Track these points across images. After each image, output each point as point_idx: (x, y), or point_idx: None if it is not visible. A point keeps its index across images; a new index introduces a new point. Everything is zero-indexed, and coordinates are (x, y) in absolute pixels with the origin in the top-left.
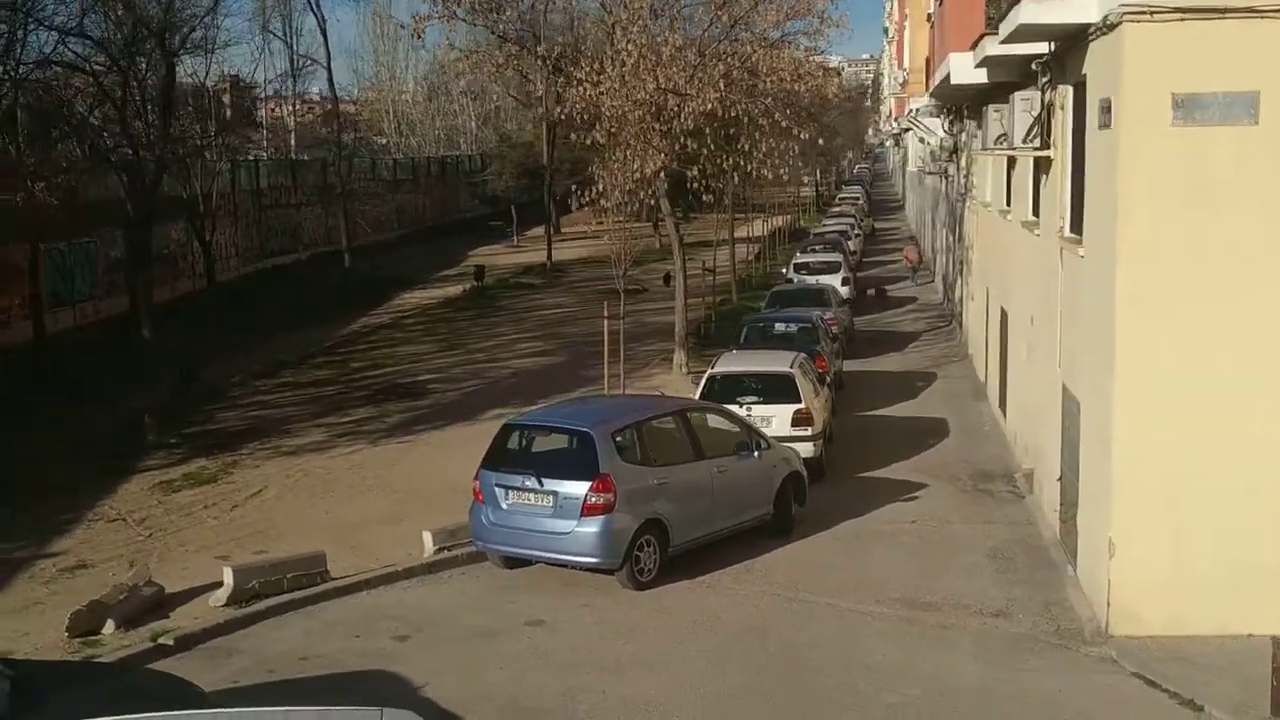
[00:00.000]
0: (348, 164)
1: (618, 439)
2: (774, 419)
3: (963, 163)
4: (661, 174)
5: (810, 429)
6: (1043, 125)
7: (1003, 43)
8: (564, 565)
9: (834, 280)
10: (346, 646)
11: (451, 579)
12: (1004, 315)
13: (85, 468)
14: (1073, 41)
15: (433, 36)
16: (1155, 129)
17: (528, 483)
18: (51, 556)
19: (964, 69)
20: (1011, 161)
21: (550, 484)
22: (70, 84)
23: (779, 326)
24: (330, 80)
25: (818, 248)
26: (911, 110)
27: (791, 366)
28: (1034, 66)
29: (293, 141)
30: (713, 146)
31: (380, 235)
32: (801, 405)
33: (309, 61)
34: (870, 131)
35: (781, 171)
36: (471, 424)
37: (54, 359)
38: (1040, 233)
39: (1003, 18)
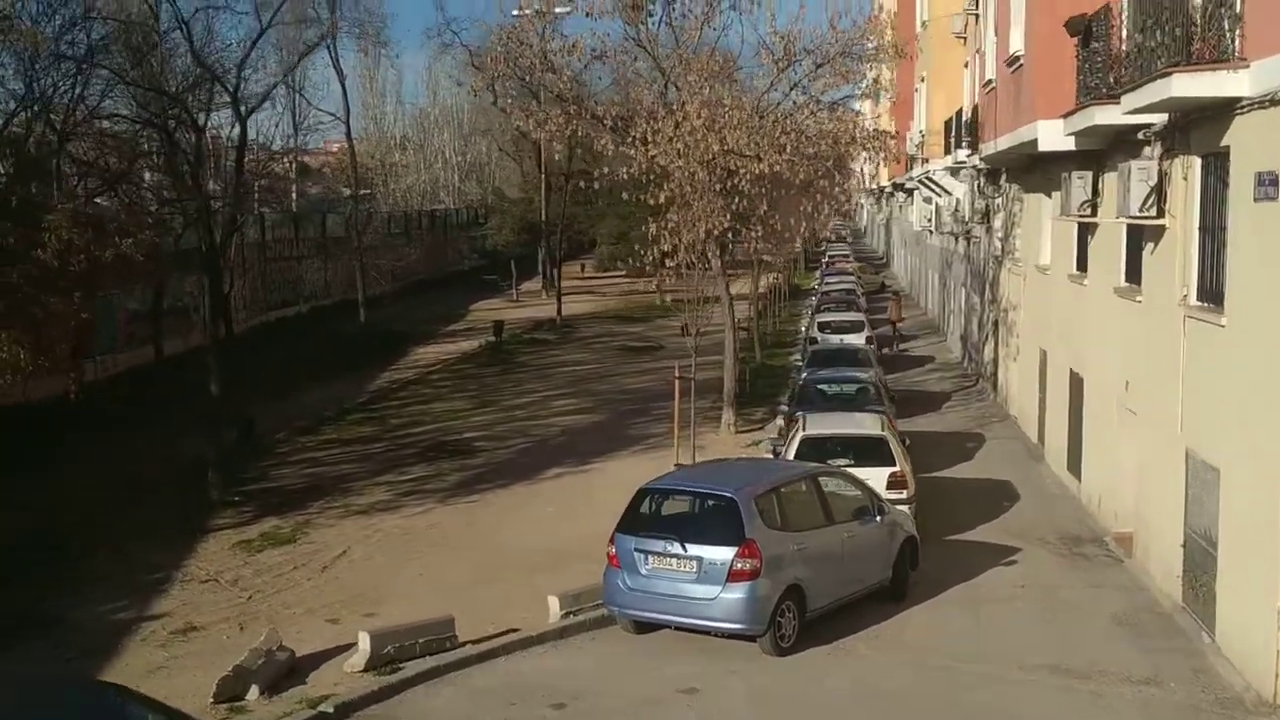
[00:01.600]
0: (366, 217)
1: (759, 504)
2: (869, 482)
3: (996, 224)
4: (726, 233)
5: (906, 492)
6: (1159, 194)
7: (1128, 113)
8: (705, 632)
9: (858, 339)
10: (507, 715)
11: (585, 645)
12: (1076, 378)
13: (155, 522)
14: (1207, 114)
15: (410, 89)
16: None
17: (670, 547)
18: (156, 618)
19: (1053, 137)
20: (1090, 228)
21: (694, 549)
22: (140, 136)
23: (835, 387)
24: (349, 135)
25: (836, 307)
26: (924, 170)
27: (883, 429)
28: (1141, 136)
29: (294, 194)
30: (766, 207)
31: (374, 289)
32: (897, 469)
33: (328, 116)
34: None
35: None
36: (534, 483)
37: (94, 410)
38: (1143, 300)
39: (1133, 89)
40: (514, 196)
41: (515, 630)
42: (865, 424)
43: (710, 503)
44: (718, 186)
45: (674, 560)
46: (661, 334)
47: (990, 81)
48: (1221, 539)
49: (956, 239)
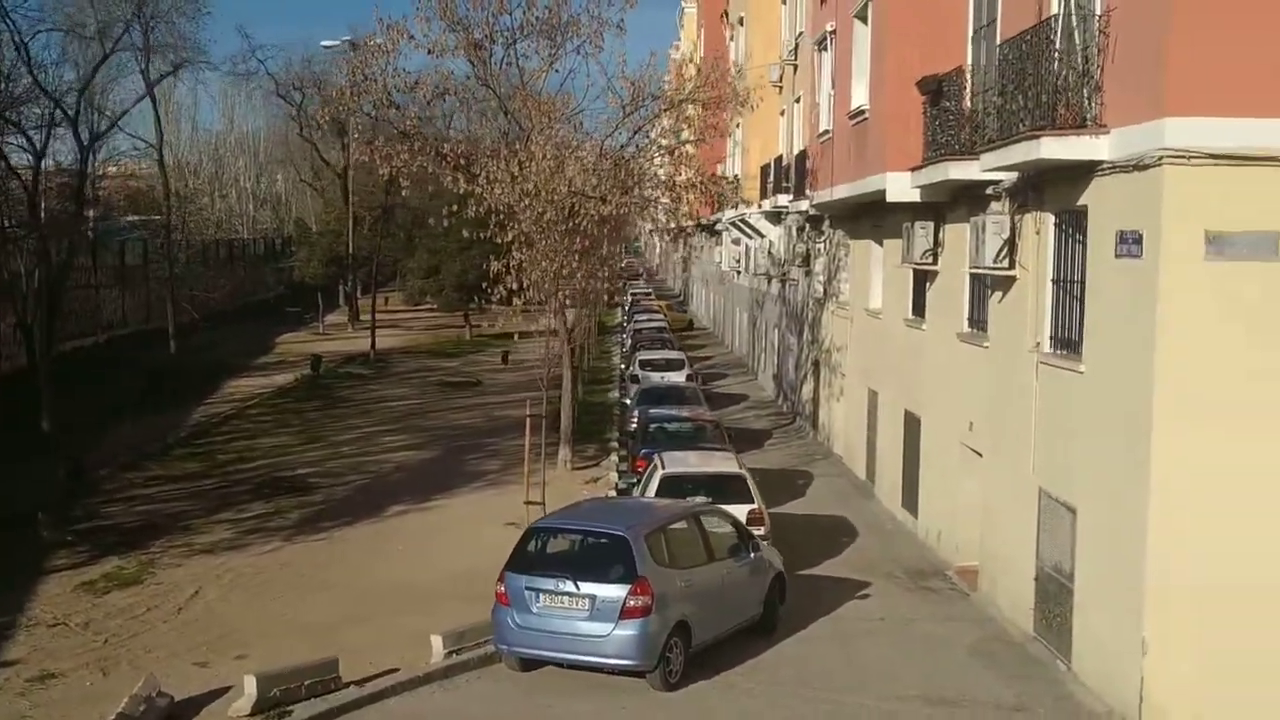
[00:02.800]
0: (178, 244)
1: (649, 542)
2: None
3: (817, 268)
4: (575, 273)
5: (763, 529)
6: (1011, 247)
7: (987, 170)
8: (595, 668)
9: (679, 377)
10: None
11: (472, 684)
12: (912, 418)
13: None
14: (1064, 174)
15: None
16: (1190, 263)
17: (562, 585)
18: (8, 665)
19: (900, 188)
20: (929, 275)
21: (586, 587)
22: None
23: (677, 425)
24: (161, 162)
25: (652, 345)
26: (739, 213)
27: (741, 467)
28: (990, 192)
29: (92, 216)
30: (607, 248)
31: (180, 319)
32: (755, 506)
33: (141, 143)
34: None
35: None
36: (379, 521)
37: None
38: (990, 345)
39: (997, 148)
40: (316, 228)
41: (396, 670)
42: (723, 462)
43: (601, 541)
44: (563, 226)
45: (566, 598)
46: (478, 369)
47: (826, 132)
48: (1078, 573)
49: (770, 280)
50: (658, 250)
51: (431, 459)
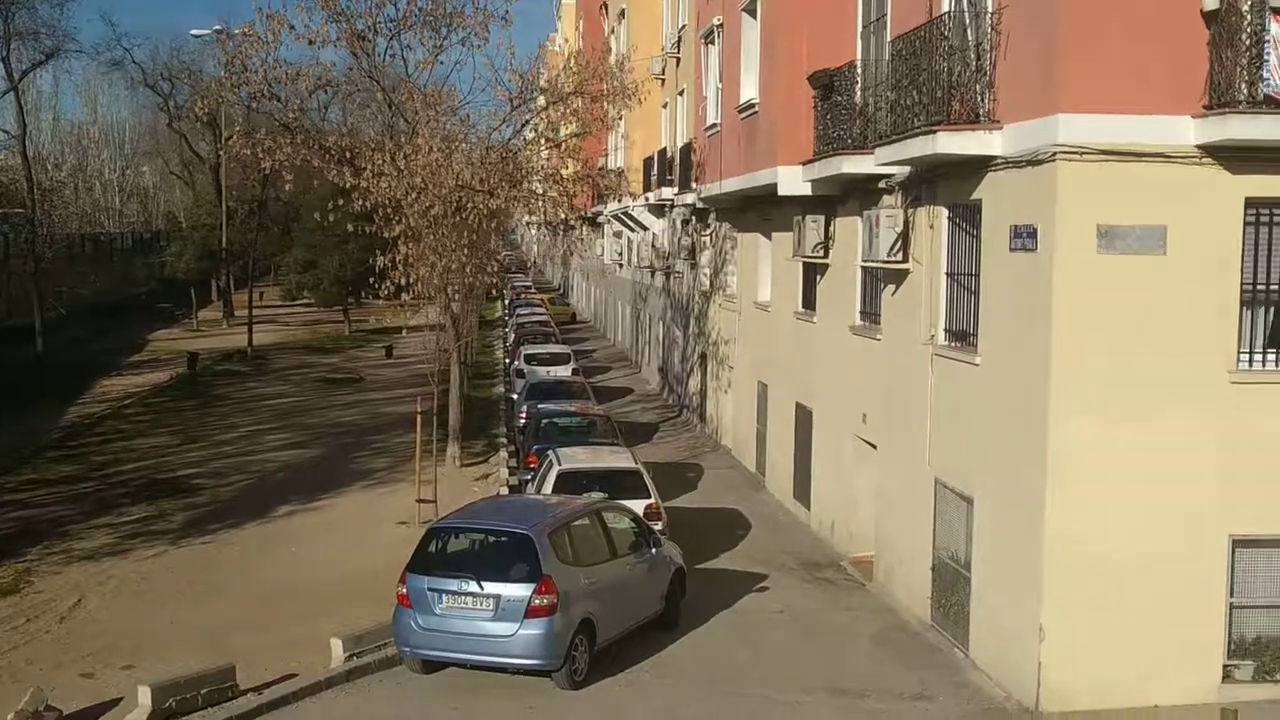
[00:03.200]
0: (48, 237)
1: (553, 540)
2: None
3: (703, 261)
4: (465, 267)
5: (660, 524)
6: (905, 240)
7: (882, 164)
8: (500, 669)
9: (564, 371)
10: None
11: (374, 687)
12: (803, 410)
13: None
14: (958, 169)
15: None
16: (1083, 255)
17: (466, 586)
18: None
19: (792, 182)
20: (819, 268)
21: (490, 587)
22: None
23: (569, 420)
24: (24, 153)
25: (536, 339)
26: (622, 206)
27: (637, 462)
28: (883, 186)
29: None
30: (495, 241)
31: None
32: (652, 500)
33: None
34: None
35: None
36: (267, 522)
37: None
38: (883, 338)
39: (892, 142)
40: (187, 222)
41: (295, 676)
42: (618, 457)
43: (505, 540)
44: (451, 220)
45: (470, 599)
46: (358, 365)
47: (714, 125)
48: (975, 562)
49: (654, 273)
50: (535, 243)
51: (317, 458)
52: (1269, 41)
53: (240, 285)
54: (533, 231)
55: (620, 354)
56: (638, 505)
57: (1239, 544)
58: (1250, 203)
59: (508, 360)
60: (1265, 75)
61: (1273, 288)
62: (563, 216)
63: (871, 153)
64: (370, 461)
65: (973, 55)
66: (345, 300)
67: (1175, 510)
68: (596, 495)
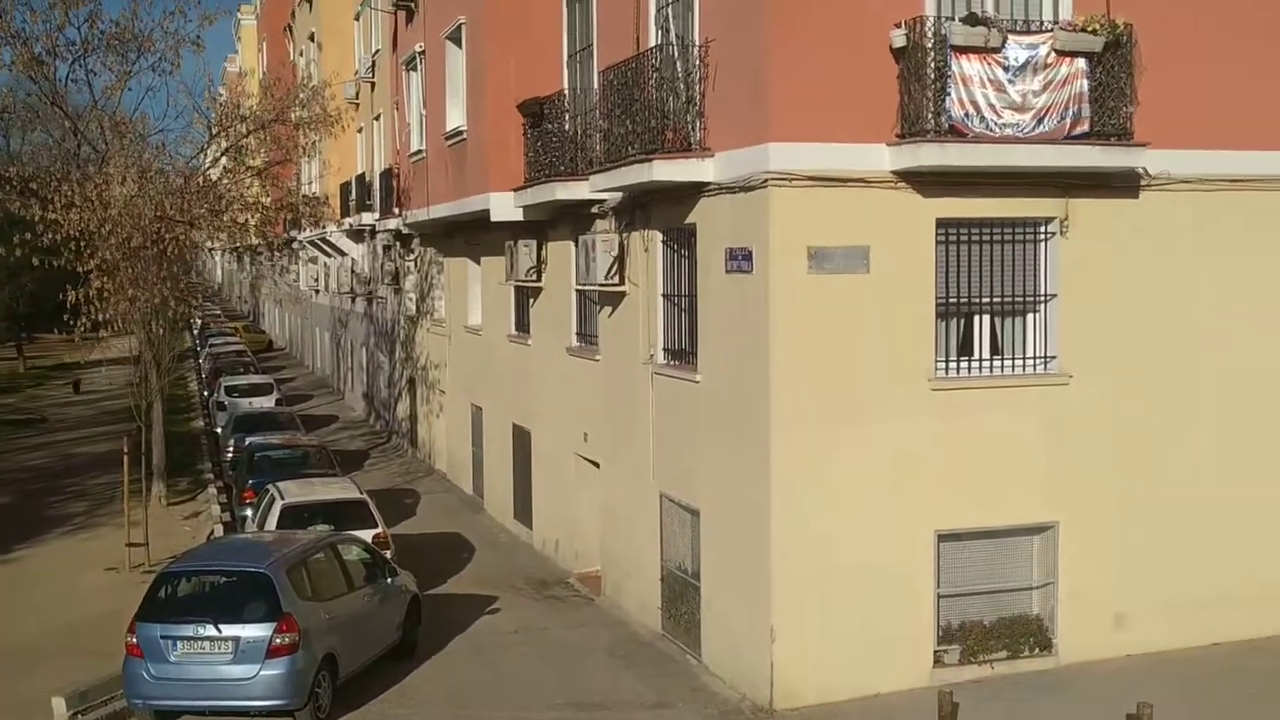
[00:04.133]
0: None
1: (291, 577)
2: None
3: (408, 285)
4: (168, 301)
5: (389, 551)
6: (621, 264)
7: (599, 191)
8: (243, 713)
9: (268, 402)
10: None
11: None
12: (521, 432)
13: None
14: (672, 194)
15: None
16: (796, 276)
17: (202, 630)
18: None
19: (504, 208)
20: (533, 291)
21: (229, 629)
22: None
23: (282, 452)
24: None
25: (234, 369)
26: (319, 231)
27: (361, 492)
28: (596, 211)
29: None
30: (196, 274)
31: None
32: (379, 530)
33: None
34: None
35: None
36: None
37: None
38: (602, 359)
39: (609, 169)
40: None
41: None
42: (342, 489)
43: (241, 580)
44: (152, 252)
45: (207, 643)
46: (41, 404)
47: (420, 152)
48: (704, 571)
49: (355, 299)
50: (220, 269)
51: (5, 506)
52: (951, 76)
53: None
54: (217, 258)
55: (321, 381)
56: (365, 535)
57: (943, 538)
58: (940, 223)
59: (205, 393)
60: (947, 107)
61: (962, 300)
62: (256, 243)
63: (585, 179)
64: (67, 507)
65: (683, 86)
66: (19, 336)
67: (888, 512)
68: (322, 528)
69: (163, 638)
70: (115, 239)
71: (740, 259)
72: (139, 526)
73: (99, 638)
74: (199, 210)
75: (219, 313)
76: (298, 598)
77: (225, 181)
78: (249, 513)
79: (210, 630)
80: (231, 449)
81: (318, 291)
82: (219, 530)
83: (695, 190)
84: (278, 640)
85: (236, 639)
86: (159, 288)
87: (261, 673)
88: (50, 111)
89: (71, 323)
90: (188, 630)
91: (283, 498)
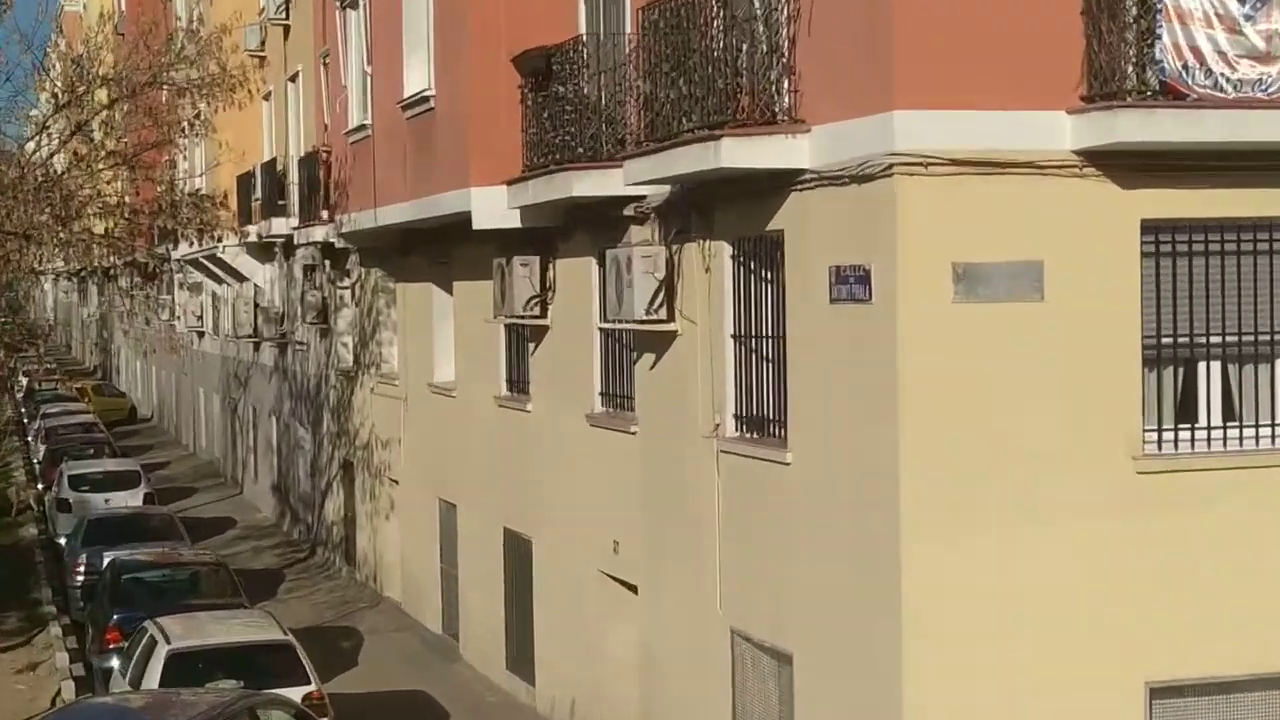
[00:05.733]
0: None
1: None
2: None
3: (342, 325)
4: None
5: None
6: (669, 290)
7: (634, 183)
8: None
9: (134, 498)
10: None
11: None
12: (517, 540)
13: None
14: (746, 187)
15: None
16: (936, 306)
17: None
18: None
19: (493, 209)
20: (534, 332)
21: None
22: None
23: (161, 574)
24: None
25: (80, 449)
26: (206, 248)
27: (286, 632)
28: (632, 213)
29: None
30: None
31: None
32: (313, 687)
33: None
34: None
35: None
36: None
37: None
38: (641, 431)
39: (651, 152)
40: None
41: None
42: (257, 627)
43: None
44: None
45: None
46: None
47: (363, 128)
48: None
49: (259, 345)
50: (49, 302)
51: None
52: (1162, 12)
53: None
54: (47, 285)
55: (208, 467)
56: (295, 694)
57: (1157, 693)
58: (1148, 226)
59: (40, 486)
60: (1157, 56)
61: (1182, 341)
62: (113, 263)
63: (615, 166)
64: None
65: (763, 29)
66: None
67: (1077, 655)
68: (228, 684)
69: None
70: None
71: (852, 282)
72: None
73: None
74: (39, 217)
75: (53, 364)
76: None
77: (75, 173)
78: (115, 663)
79: None
80: (83, 569)
81: (202, 334)
82: (69, 690)
83: (783, 182)
84: None
85: None
86: None
87: None
88: None
89: None
90: None
91: (168, 641)
